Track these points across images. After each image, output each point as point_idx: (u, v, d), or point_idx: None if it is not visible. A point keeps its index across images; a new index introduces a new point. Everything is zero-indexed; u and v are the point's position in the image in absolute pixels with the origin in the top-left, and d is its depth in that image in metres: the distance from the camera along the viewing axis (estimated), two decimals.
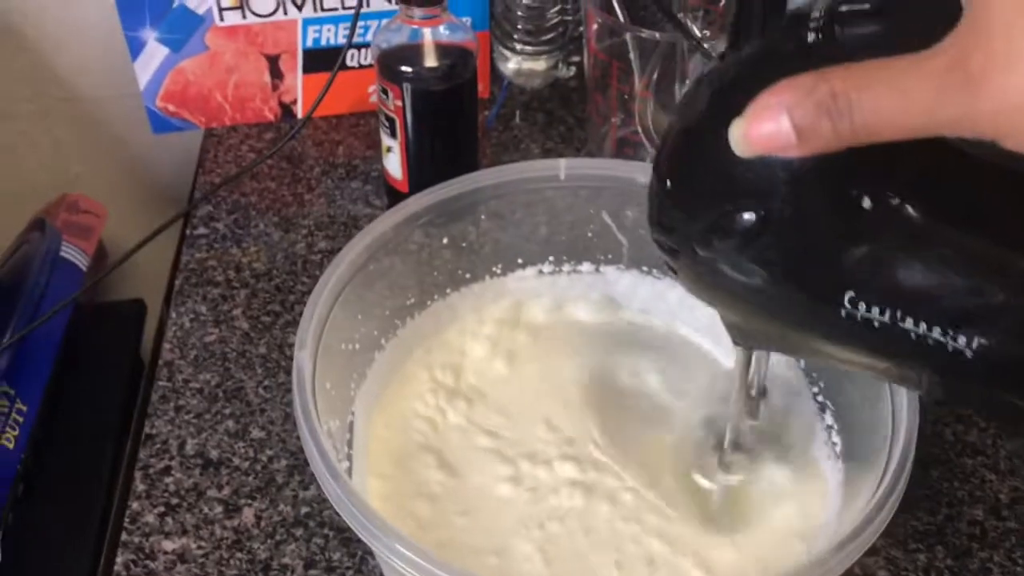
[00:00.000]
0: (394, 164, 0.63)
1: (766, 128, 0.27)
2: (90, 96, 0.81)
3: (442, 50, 0.60)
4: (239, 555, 0.47)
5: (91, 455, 0.63)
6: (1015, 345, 0.30)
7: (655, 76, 0.60)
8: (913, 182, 0.30)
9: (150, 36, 0.68)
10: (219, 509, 0.49)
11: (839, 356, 0.35)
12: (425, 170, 0.63)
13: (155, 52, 0.69)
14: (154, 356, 0.59)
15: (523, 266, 0.55)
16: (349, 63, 0.72)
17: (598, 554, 0.44)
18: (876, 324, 0.31)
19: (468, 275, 0.54)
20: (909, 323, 0.30)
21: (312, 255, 0.64)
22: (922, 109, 0.25)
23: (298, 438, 0.44)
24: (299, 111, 0.74)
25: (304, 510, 0.49)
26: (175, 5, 0.67)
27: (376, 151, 0.69)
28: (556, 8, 0.73)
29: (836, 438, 0.47)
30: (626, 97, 0.62)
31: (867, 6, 0.29)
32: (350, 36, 0.65)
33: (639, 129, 0.63)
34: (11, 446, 0.59)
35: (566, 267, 0.56)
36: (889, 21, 0.29)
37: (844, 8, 0.30)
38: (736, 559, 0.44)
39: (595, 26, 0.62)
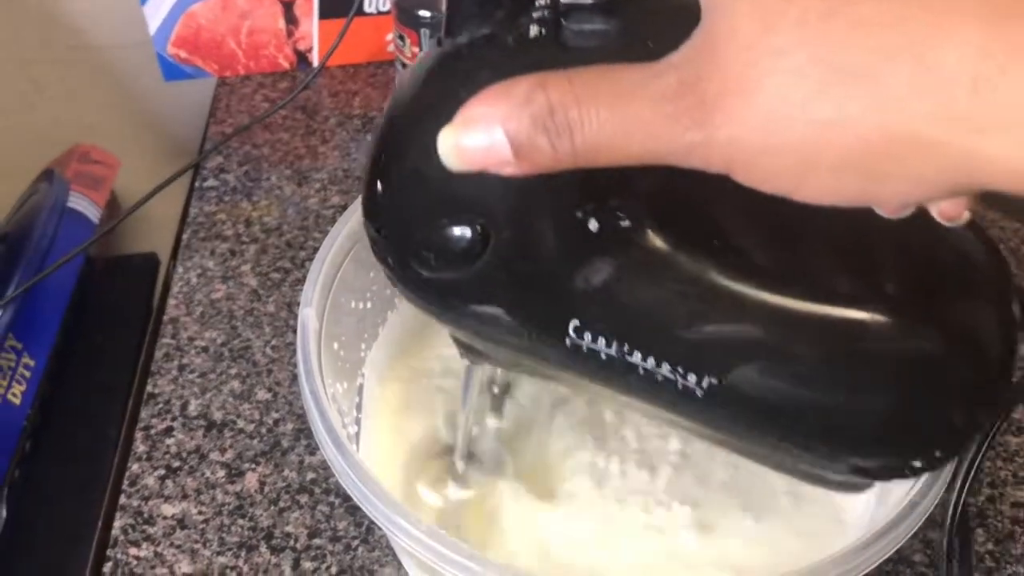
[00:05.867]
0: None
1: (478, 142, 0.23)
2: (102, 44, 0.79)
3: None
4: (241, 522, 0.45)
5: (100, 412, 0.62)
6: (747, 385, 0.28)
7: None
8: (647, 206, 0.27)
9: None
10: (221, 473, 0.47)
11: (575, 384, 0.32)
12: None
13: None
14: (159, 312, 0.57)
15: None
16: (367, 9, 0.69)
17: None
18: (603, 356, 0.28)
19: None
20: (637, 357, 0.28)
21: (325, 210, 0.61)
22: (648, 135, 0.22)
23: None
24: (315, 59, 0.71)
25: (310, 476, 0.47)
26: None
27: None
28: None
29: None
30: None
31: None
32: None
33: None
34: (17, 402, 0.58)
35: None
36: (620, 18, 0.26)
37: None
38: None
39: None
